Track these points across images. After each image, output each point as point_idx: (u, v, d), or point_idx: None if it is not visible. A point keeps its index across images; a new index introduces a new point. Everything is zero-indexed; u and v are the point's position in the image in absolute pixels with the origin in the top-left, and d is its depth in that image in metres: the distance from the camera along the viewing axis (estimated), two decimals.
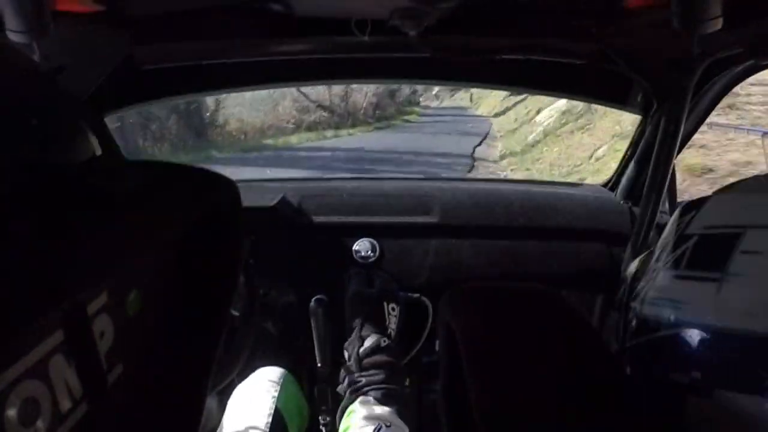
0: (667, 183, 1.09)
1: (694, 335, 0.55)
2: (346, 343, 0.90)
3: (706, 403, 0.52)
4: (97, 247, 0.20)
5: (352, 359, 0.86)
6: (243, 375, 0.94)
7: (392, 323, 0.93)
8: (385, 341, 0.87)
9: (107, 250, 0.20)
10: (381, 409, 0.77)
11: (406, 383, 1.13)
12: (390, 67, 1.18)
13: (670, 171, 1.09)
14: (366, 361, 0.85)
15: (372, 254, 1.21)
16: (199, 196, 0.27)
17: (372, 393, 0.80)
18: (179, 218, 0.25)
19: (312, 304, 1.08)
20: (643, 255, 0.71)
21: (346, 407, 0.82)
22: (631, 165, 1.26)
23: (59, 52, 0.85)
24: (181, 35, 0.98)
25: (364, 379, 0.82)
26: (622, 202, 1.28)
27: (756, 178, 0.67)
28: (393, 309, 0.94)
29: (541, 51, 1.04)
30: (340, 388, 0.88)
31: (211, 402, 1.06)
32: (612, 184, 1.35)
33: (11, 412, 0.17)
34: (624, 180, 1.28)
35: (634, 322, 0.69)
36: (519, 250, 1.24)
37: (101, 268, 0.20)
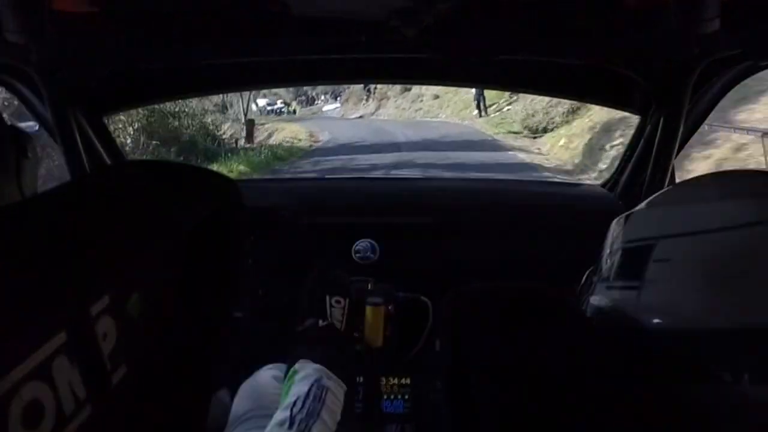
0: (666, 183, 1.09)
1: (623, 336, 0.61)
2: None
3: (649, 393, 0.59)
4: (99, 250, 0.19)
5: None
6: (244, 375, 0.94)
7: (336, 314, 0.86)
8: (322, 322, 0.83)
9: (109, 253, 0.20)
10: (321, 367, 0.74)
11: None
12: (390, 67, 1.18)
13: (670, 171, 1.09)
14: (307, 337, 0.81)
15: (372, 254, 1.21)
16: (201, 197, 0.27)
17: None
18: (181, 219, 0.25)
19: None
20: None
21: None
22: (630, 165, 1.25)
23: (56, 52, 0.85)
24: (180, 36, 0.97)
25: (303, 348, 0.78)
26: (621, 202, 1.28)
27: (664, 193, 0.70)
28: (338, 302, 0.87)
29: (541, 51, 1.04)
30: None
31: (215, 402, 1.06)
32: (611, 184, 1.34)
33: (15, 415, 0.17)
34: (623, 180, 1.28)
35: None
36: (518, 250, 1.24)
37: (103, 271, 0.20)
